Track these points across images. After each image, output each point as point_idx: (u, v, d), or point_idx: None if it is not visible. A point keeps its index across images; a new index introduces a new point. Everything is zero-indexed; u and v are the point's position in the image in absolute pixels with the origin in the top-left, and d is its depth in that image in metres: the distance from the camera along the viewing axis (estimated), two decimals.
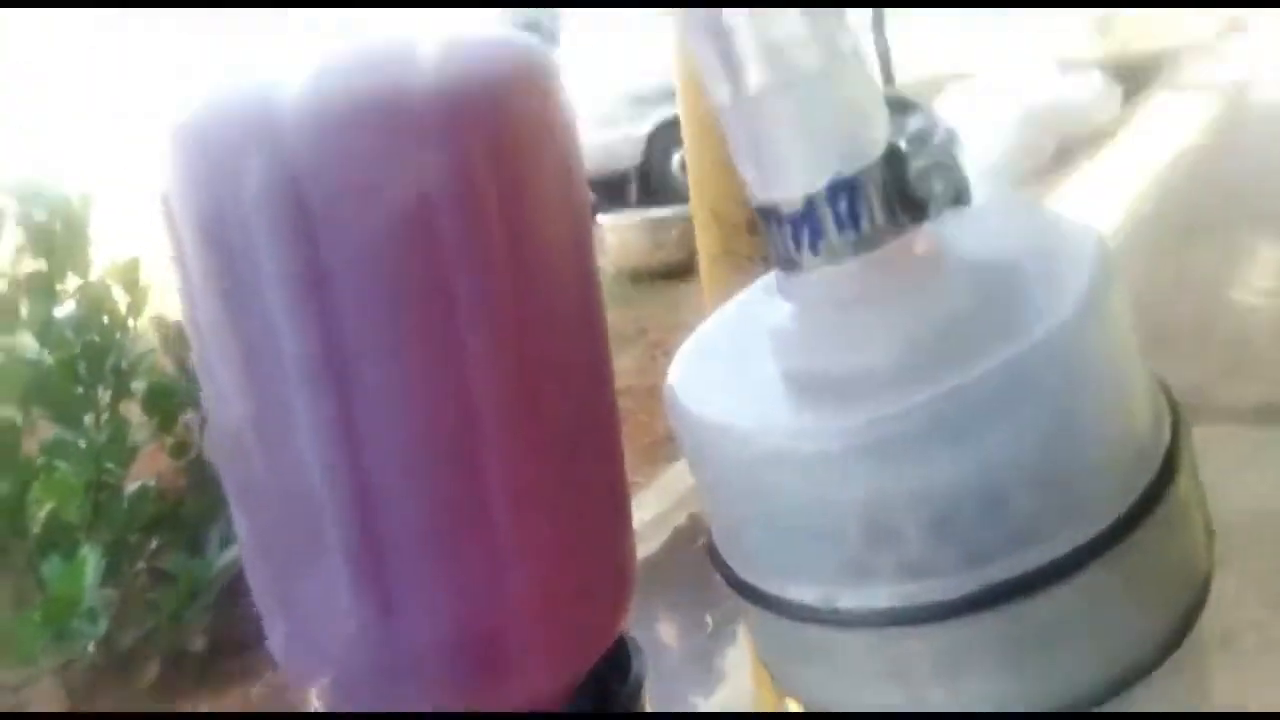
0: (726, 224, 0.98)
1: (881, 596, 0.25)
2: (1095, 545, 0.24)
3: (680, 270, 3.63)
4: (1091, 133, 4.30)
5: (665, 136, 4.69)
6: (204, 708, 2.25)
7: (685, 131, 1.08)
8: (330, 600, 0.29)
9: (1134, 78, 5.06)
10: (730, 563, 0.30)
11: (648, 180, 4.83)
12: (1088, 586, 0.25)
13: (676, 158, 4.84)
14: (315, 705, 0.37)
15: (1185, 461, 0.26)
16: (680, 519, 2.05)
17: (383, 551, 0.29)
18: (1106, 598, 0.25)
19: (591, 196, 0.33)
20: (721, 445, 0.28)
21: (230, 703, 2.26)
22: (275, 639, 0.33)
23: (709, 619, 1.93)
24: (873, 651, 0.26)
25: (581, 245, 0.33)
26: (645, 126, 4.66)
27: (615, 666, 0.37)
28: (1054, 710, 0.25)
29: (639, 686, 0.36)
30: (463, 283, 0.28)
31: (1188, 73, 5.30)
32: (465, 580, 0.30)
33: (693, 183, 1.12)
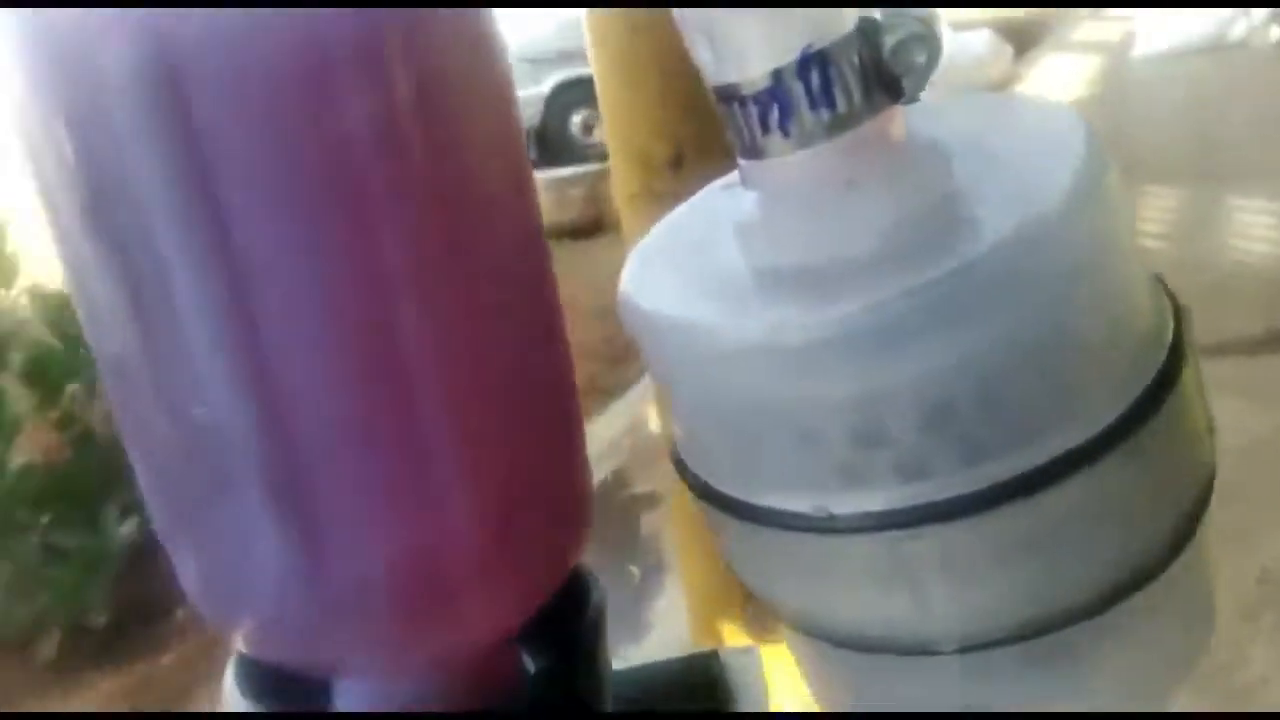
0: (645, 162, 0.96)
1: (877, 500, 0.23)
2: (1099, 441, 0.23)
3: (587, 228, 3.61)
4: (984, 88, 4.45)
5: (563, 97, 4.65)
6: (108, 683, 2.17)
7: (597, 71, 1.05)
8: (247, 538, 0.26)
9: (1023, 37, 5.29)
10: (704, 475, 0.27)
11: (546, 141, 4.77)
12: (1092, 484, 0.23)
13: (576, 118, 4.81)
14: (238, 650, 0.34)
15: (1189, 355, 0.24)
16: (602, 473, 2.04)
17: (303, 480, 0.25)
18: (1112, 495, 0.23)
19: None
20: (691, 345, 0.25)
21: (135, 678, 2.19)
22: (188, 581, 0.29)
23: (634, 570, 1.93)
24: (870, 558, 0.24)
25: (509, 135, 0.29)
26: (542, 88, 4.60)
27: (571, 599, 0.34)
28: (1059, 611, 0.24)
29: (599, 618, 0.33)
30: (374, 167, 0.24)
31: (1074, 33, 5.56)
32: (399, 507, 0.26)
33: (609, 124, 1.09)
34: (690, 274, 0.27)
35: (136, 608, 2.48)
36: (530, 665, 0.34)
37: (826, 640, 0.27)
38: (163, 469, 0.27)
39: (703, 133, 0.82)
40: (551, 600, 0.32)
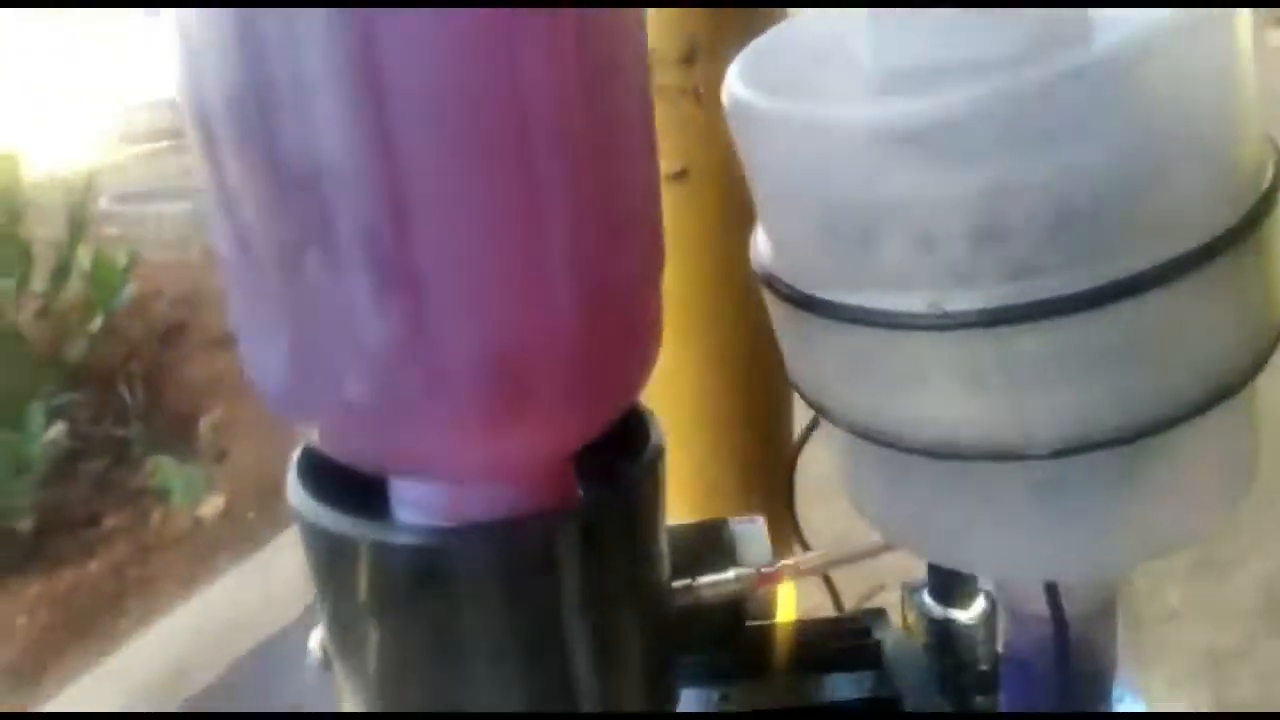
0: (658, 59, 0.94)
1: (990, 297, 0.23)
2: (1207, 250, 0.23)
3: None
4: None
5: None
6: (34, 588, 2.12)
7: None
8: (350, 313, 0.25)
9: None
10: (802, 285, 0.27)
11: None
12: (1198, 289, 0.23)
13: None
14: (304, 446, 0.33)
15: None
16: None
17: (417, 247, 0.24)
18: (1211, 305, 0.24)
19: None
20: (810, 138, 0.25)
21: (63, 584, 2.14)
22: (270, 372, 0.28)
23: None
24: (977, 356, 0.24)
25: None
26: None
27: (633, 429, 0.34)
28: (1150, 417, 0.25)
29: (658, 457, 0.33)
30: None
31: None
32: (508, 294, 0.26)
33: None
34: (805, 74, 0.26)
35: (62, 514, 2.42)
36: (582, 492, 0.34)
37: (910, 449, 0.27)
38: (258, 239, 0.26)
39: (715, 27, 0.81)
40: (614, 429, 0.32)
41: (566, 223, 0.26)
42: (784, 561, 0.40)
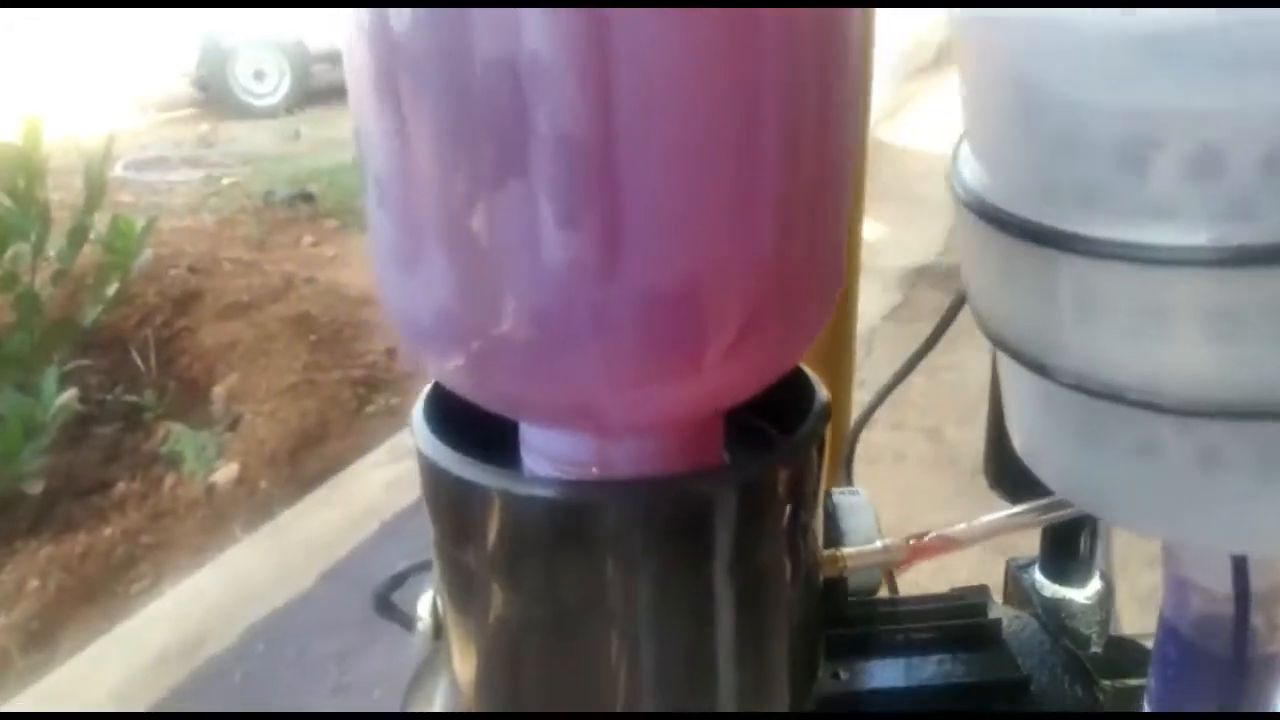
0: None
1: (1273, 231, 0.21)
2: None
3: None
4: None
5: None
6: (45, 552, 2.10)
7: None
8: (533, 225, 0.22)
9: None
10: (1031, 215, 0.24)
11: None
12: None
13: None
14: (431, 387, 0.30)
15: None
16: None
17: (618, 170, 0.22)
18: None
19: None
20: (1078, 40, 0.22)
21: (75, 548, 2.12)
22: (427, 296, 0.25)
23: None
24: (1255, 300, 0.22)
25: None
26: None
27: (798, 390, 0.31)
28: None
29: (820, 424, 0.31)
30: None
31: None
32: (707, 229, 0.23)
33: None
34: None
35: (73, 479, 2.40)
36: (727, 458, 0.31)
37: (1149, 405, 0.25)
38: (440, 150, 0.23)
39: None
40: (776, 389, 0.29)
41: (775, 162, 0.23)
42: (938, 531, 0.37)
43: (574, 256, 0.22)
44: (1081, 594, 0.48)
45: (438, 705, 0.38)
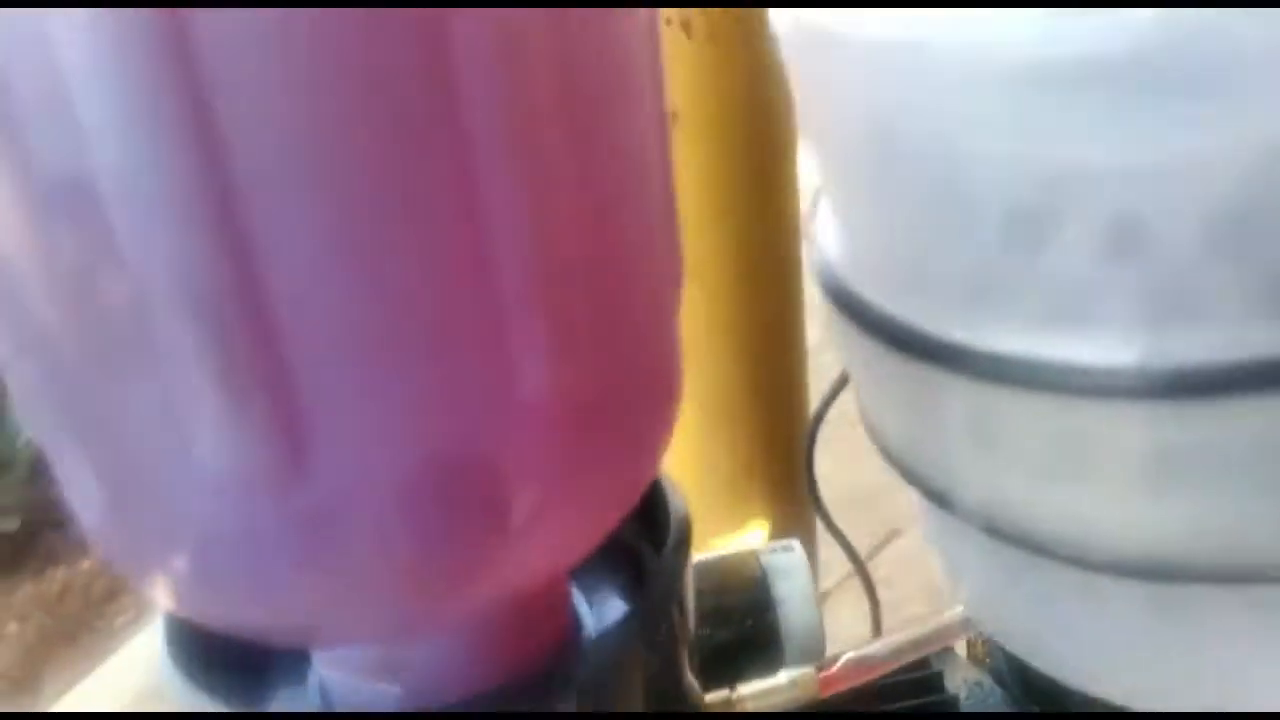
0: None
1: (1242, 341, 0.14)
2: None
3: None
4: None
5: None
6: (26, 588, 2.05)
7: None
8: (187, 432, 0.15)
9: None
10: (902, 313, 0.18)
11: None
12: None
13: None
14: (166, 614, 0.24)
15: None
16: None
17: (276, 329, 0.15)
18: None
19: None
20: (929, 75, 0.15)
21: (56, 584, 2.07)
22: (90, 510, 0.18)
23: None
24: (1210, 439, 0.15)
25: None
26: None
27: (648, 518, 0.25)
28: None
29: (682, 544, 0.24)
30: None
31: None
32: (444, 376, 0.16)
33: None
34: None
35: (49, 513, 2.34)
36: (587, 610, 0.25)
37: (1078, 562, 0.18)
38: (61, 350, 0.16)
39: None
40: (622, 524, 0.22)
41: (533, 248, 0.16)
42: (849, 655, 0.31)
43: (240, 461, 0.15)
44: None
45: None
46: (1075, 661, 0.22)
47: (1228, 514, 0.16)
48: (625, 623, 0.22)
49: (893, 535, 1.79)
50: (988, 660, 0.44)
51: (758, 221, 0.80)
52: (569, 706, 0.20)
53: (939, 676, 0.41)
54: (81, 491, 0.18)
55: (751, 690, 0.29)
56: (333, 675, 0.22)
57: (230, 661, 0.22)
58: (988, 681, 0.41)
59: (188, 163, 0.14)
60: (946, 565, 0.24)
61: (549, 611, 0.23)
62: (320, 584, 0.17)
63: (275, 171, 0.14)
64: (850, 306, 0.19)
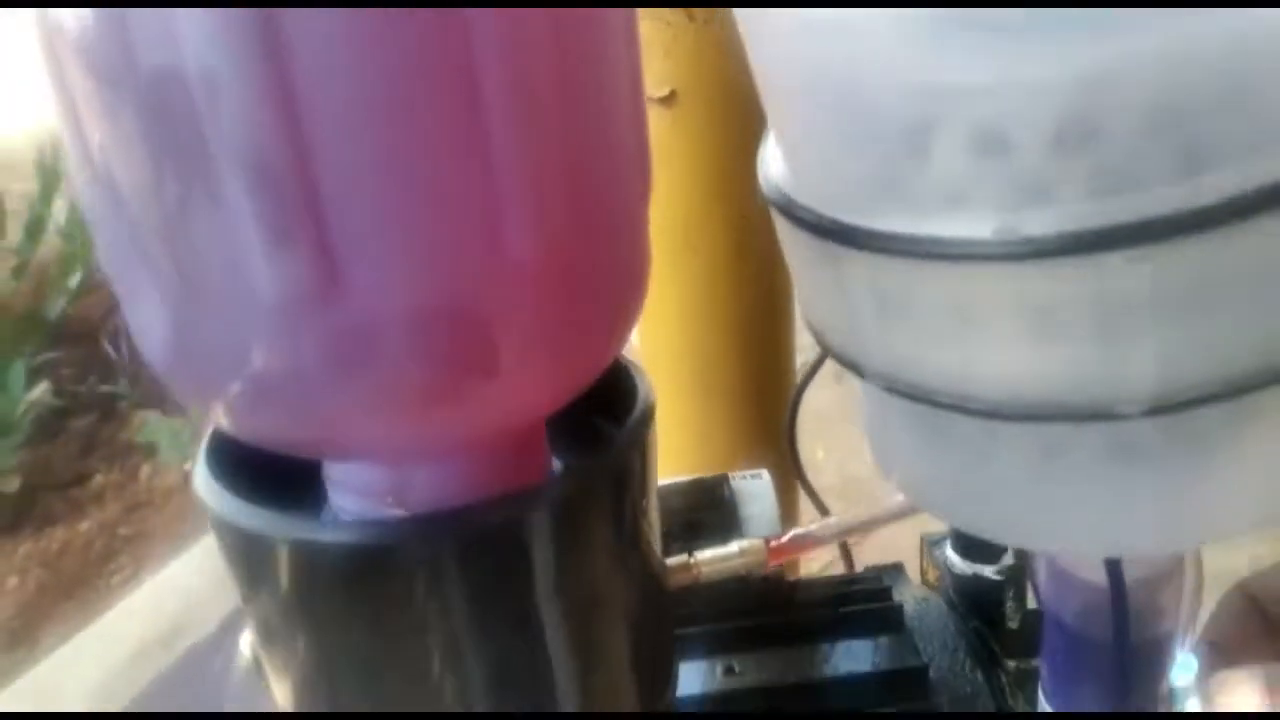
0: None
1: (1076, 217, 0.18)
2: None
3: None
4: None
5: None
6: (25, 549, 2.09)
7: None
8: (240, 260, 0.20)
9: None
10: (825, 208, 0.22)
11: None
12: None
13: None
14: (213, 431, 0.28)
15: None
16: None
17: (319, 180, 0.19)
18: None
19: None
20: (838, 21, 0.19)
21: (54, 543, 2.11)
22: (154, 340, 0.22)
23: None
24: (1054, 294, 0.19)
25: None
26: None
27: (616, 387, 0.29)
28: (1263, 368, 0.19)
29: (646, 417, 0.28)
30: None
31: None
32: (446, 231, 0.20)
33: None
34: None
35: (50, 473, 2.38)
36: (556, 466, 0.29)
37: (962, 409, 0.22)
38: (120, 173, 0.20)
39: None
40: (594, 389, 0.27)
41: (512, 150, 0.20)
42: (797, 530, 0.35)
43: (287, 285, 0.20)
44: (992, 569, 0.46)
45: None
46: (979, 512, 0.26)
47: (1074, 360, 0.20)
48: (593, 460, 0.27)
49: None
50: (937, 586, 0.49)
51: (752, 196, 0.84)
52: (542, 523, 0.25)
53: (888, 590, 0.45)
54: (150, 326, 0.22)
55: (706, 556, 0.33)
56: (344, 501, 0.26)
57: (261, 483, 0.26)
58: (933, 597, 0.46)
59: (254, 53, 0.18)
60: (872, 440, 0.28)
61: (529, 449, 0.27)
62: (349, 395, 0.21)
63: (325, 68, 0.19)
64: (788, 211, 0.23)
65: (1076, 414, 0.21)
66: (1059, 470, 0.24)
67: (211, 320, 0.21)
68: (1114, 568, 0.29)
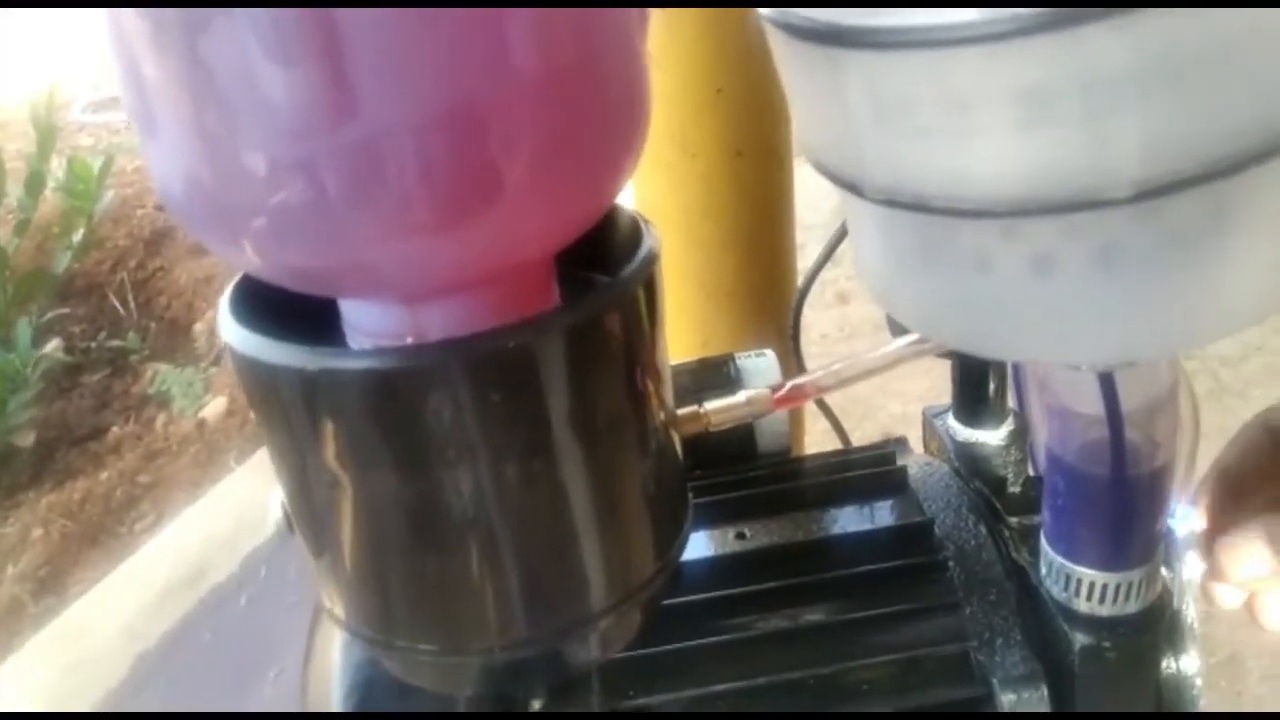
0: None
1: (977, 8, 0.19)
2: None
3: None
4: None
5: None
6: (46, 501, 2.12)
7: None
8: (262, 85, 0.20)
9: None
10: (820, 17, 0.22)
11: None
12: None
13: None
14: (237, 280, 0.29)
15: None
16: None
17: (338, 17, 0.20)
18: None
19: None
20: None
21: (77, 494, 2.14)
22: (174, 174, 0.23)
23: None
24: (1039, 75, 0.20)
25: None
26: None
27: (619, 242, 0.30)
28: (1245, 147, 0.20)
29: (654, 257, 0.29)
30: None
31: None
32: (454, 42, 0.21)
33: None
34: None
35: (67, 428, 2.41)
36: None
37: (955, 210, 0.23)
38: (147, 21, 0.21)
39: None
40: (601, 238, 0.27)
41: None
42: (796, 380, 0.36)
43: (303, 100, 0.20)
44: (994, 436, 0.47)
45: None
46: (978, 331, 0.27)
47: (1061, 144, 0.21)
48: (601, 290, 0.27)
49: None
50: (939, 455, 0.50)
51: (749, 103, 0.83)
52: (553, 348, 0.26)
53: (892, 456, 0.46)
54: (173, 166, 0.23)
55: (714, 406, 0.34)
56: (363, 344, 0.27)
57: (283, 332, 0.27)
58: (936, 462, 0.47)
59: None
60: (870, 275, 0.29)
61: (539, 288, 0.28)
62: (364, 216, 0.22)
63: None
64: (784, 23, 0.24)
65: (1066, 205, 0.22)
66: (1052, 281, 0.24)
67: (231, 150, 0.21)
68: (1108, 388, 0.29)
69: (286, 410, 0.27)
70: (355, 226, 0.22)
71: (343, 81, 0.20)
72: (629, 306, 0.28)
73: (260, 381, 0.27)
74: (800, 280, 0.73)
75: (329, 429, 0.26)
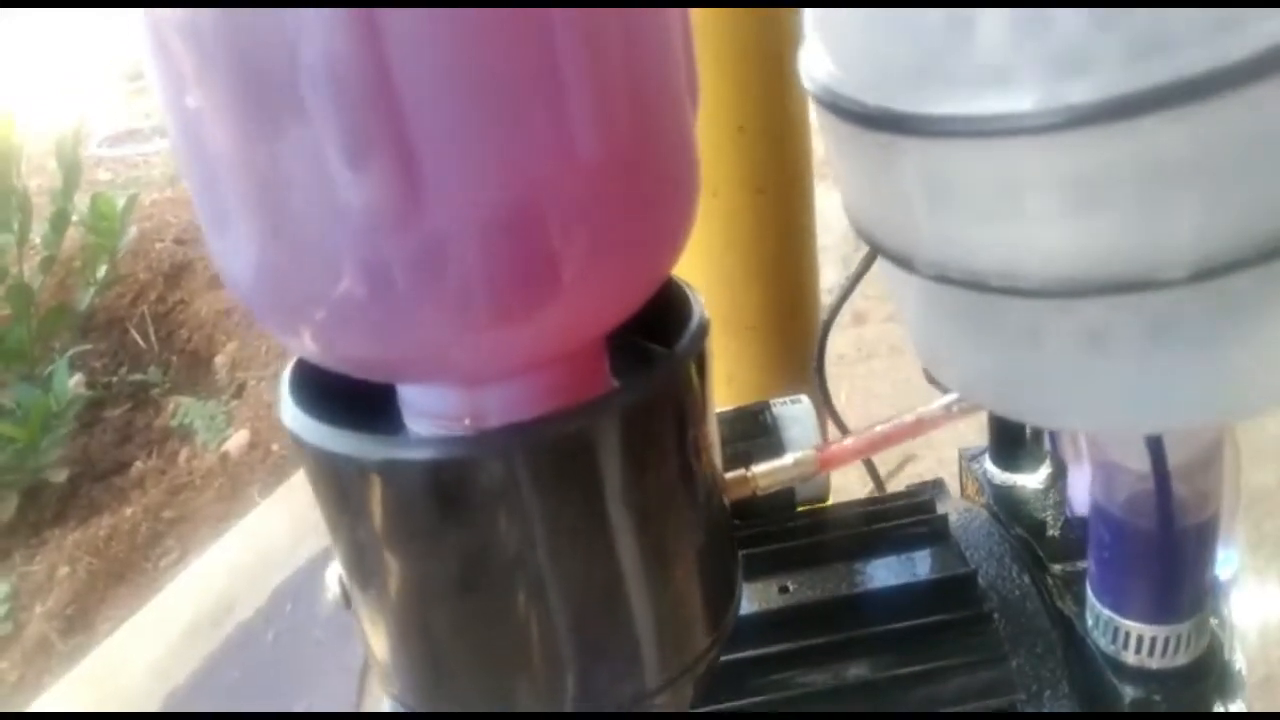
0: None
1: (1114, 83, 0.19)
2: None
3: None
4: None
5: None
6: (72, 538, 2.14)
7: None
8: (320, 179, 0.21)
9: None
10: (871, 100, 0.23)
11: None
12: None
13: None
14: (296, 362, 0.29)
15: None
16: None
17: (396, 95, 0.20)
18: None
19: None
20: None
21: (102, 530, 2.15)
22: (241, 266, 0.23)
23: None
24: (1095, 163, 0.20)
25: None
26: None
27: (670, 307, 0.30)
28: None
29: (705, 329, 0.29)
30: None
31: None
32: (513, 137, 0.21)
33: None
34: None
35: (91, 463, 2.43)
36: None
37: (1010, 290, 0.23)
38: (208, 101, 0.21)
39: None
40: (648, 310, 0.28)
41: (579, 60, 0.21)
42: (844, 441, 0.36)
43: (370, 199, 0.21)
44: (1032, 479, 0.47)
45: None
46: (1028, 400, 0.27)
47: (1117, 229, 0.21)
48: (656, 368, 0.28)
49: (906, 461, 1.85)
50: (978, 499, 0.49)
51: (771, 140, 0.84)
52: (610, 430, 0.26)
53: (931, 503, 0.46)
54: (237, 253, 0.23)
55: (762, 469, 0.34)
56: (420, 427, 0.28)
57: (340, 416, 0.27)
58: (975, 508, 0.47)
59: None
60: (919, 341, 0.29)
61: (593, 367, 0.28)
62: (428, 310, 0.22)
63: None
64: (834, 105, 0.24)
65: (1122, 286, 0.22)
66: (1104, 353, 0.24)
67: (298, 241, 0.22)
68: (1156, 447, 0.29)
69: (346, 494, 0.27)
70: (419, 320, 0.23)
71: (412, 182, 0.21)
72: (684, 381, 0.28)
73: (321, 465, 0.27)
74: (823, 314, 0.73)
75: (389, 513, 0.27)
